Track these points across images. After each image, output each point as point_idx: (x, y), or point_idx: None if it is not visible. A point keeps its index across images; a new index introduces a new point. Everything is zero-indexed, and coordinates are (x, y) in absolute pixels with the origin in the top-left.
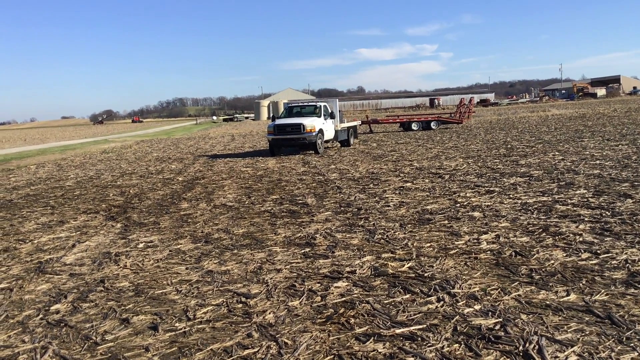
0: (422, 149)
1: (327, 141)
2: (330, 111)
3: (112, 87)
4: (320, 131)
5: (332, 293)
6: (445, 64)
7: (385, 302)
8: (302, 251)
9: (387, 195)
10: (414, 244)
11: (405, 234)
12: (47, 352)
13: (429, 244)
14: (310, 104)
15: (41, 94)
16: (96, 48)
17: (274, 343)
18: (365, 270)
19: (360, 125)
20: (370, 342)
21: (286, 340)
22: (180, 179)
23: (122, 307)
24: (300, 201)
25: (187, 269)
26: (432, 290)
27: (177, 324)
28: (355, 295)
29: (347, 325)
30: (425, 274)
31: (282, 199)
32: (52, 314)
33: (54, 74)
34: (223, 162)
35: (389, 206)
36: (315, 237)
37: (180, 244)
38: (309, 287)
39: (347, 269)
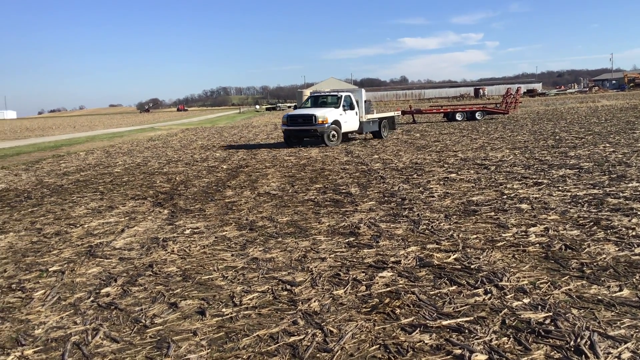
0: (466, 139)
1: (347, 133)
2: (352, 102)
3: (158, 76)
4: (336, 122)
5: (377, 283)
6: (490, 53)
7: (431, 293)
8: (346, 240)
9: (431, 186)
10: (460, 235)
11: (450, 225)
12: (98, 333)
13: (475, 236)
14: (332, 94)
15: (90, 82)
16: (143, 37)
17: (320, 331)
18: (410, 261)
19: (402, 116)
20: (417, 333)
21: (331, 329)
22: (224, 167)
23: (170, 292)
24: (343, 190)
25: (232, 255)
26: (479, 282)
27: (223, 310)
28: (401, 285)
29: (392, 315)
30: (472, 266)
31: (325, 188)
32: (102, 296)
33: (102, 62)
34: (266, 151)
35: (433, 197)
36: (359, 227)
37: (226, 230)
38: (354, 276)
39: (392, 259)
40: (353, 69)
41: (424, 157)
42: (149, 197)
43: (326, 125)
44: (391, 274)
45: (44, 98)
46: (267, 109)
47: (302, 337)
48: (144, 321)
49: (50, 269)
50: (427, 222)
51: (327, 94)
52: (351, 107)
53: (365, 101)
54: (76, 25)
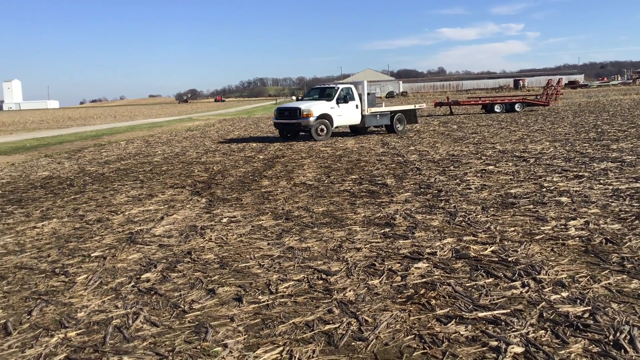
0: (505, 131)
1: (339, 127)
2: (350, 95)
3: (196, 67)
4: (325, 116)
5: (413, 274)
6: (531, 44)
7: (467, 285)
8: (382, 231)
9: (468, 178)
10: (497, 228)
11: (487, 217)
12: (138, 317)
13: (512, 228)
14: (330, 86)
15: (130, 73)
16: (182, 28)
17: (355, 320)
18: (446, 252)
19: (438, 107)
20: (452, 324)
21: (367, 318)
22: (260, 157)
23: (208, 279)
24: (379, 181)
25: (268, 244)
26: (516, 275)
27: (260, 297)
28: (436, 276)
29: (427, 306)
30: (509, 259)
31: (361, 179)
32: (142, 282)
33: (142, 53)
34: (302, 142)
35: (470, 189)
36: (395, 218)
37: (262, 220)
38: (389, 266)
39: (428, 250)
40: (390, 60)
41: (461, 149)
42: (187, 186)
43: (311, 118)
44: (427, 265)
45: (86, 88)
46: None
47: (337, 325)
48: (182, 306)
49: (92, 255)
50: (463, 214)
51: (326, 86)
52: (347, 100)
53: (368, 94)
54: (117, 17)
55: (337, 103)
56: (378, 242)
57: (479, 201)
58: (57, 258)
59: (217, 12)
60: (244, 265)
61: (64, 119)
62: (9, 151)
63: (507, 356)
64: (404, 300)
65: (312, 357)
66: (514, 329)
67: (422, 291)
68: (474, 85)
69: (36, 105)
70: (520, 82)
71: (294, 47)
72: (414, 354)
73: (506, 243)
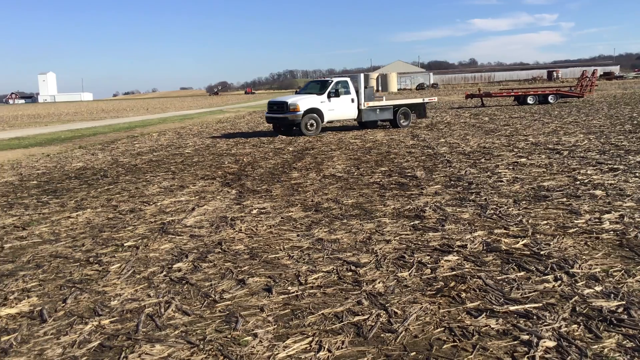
0: (538, 123)
1: (332, 121)
2: (345, 88)
3: (227, 60)
4: (314, 110)
5: (442, 266)
6: (565, 35)
7: (498, 278)
8: (412, 223)
9: (499, 170)
10: (529, 221)
11: (519, 210)
12: (170, 306)
13: (545, 222)
14: (325, 79)
15: (162, 65)
16: (213, 21)
17: (384, 312)
18: (476, 245)
19: (470, 99)
20: (483, 317)
21: (396, 310)
22: (290, 149)
23: (238, 269)
24: (409, 174)
25: (298, 235)
26: (548, 268)
27: (289, 288)
28: (467, 269)
29: (457, 299)
30: (542, 252)
31: (390, 171)
32: (174, 271)
33: (174, 47)
34: (332, 134)
35: (501, 181)
36: (425, 210)
37: (292, 211)
38: (419, 259)
39: (458, 243)
40: (420, 52)
41: (492, 141)
42: (218, 177)
43: (298, 113)
44: (457, 257)
45: (119, 81)
46: None
47: (366, 317)
48: (213, 296)
49: (125, 244)
50: (494, 206)
51: (321, 79)
52: (340, 94)
53: (366, 87)
54: (150, 10)
55: (329, 97)
56: (407, 235)
57: (511, 194)
58: (91, 247)
59: (247, 5)
60: (274, 256)
61: (97, 111)
62: (44, 142)
63: (538, 350)
64: (433, 292)
65: (341, 348)
66: (545, 323)
67: (452, 284)
68: (506, 76)
69: (70, 97)
70: (554, 74)
71: (323, 39)
72: (444, 347)
73: (538, 236)
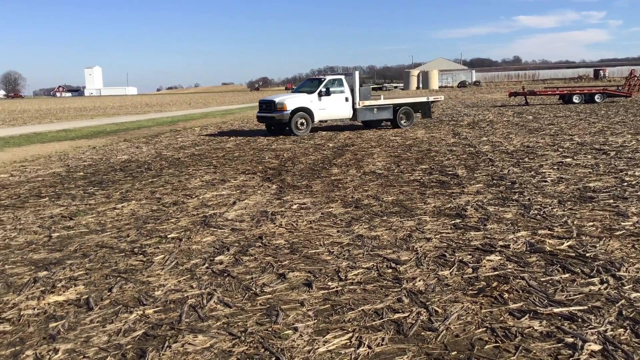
0: (584, 123)
1: (325, 121)
2: (337, 86)
3: (267, 56)
4: (303, 109)
5: (484, 266)
6: (613, 33)
7: (542, 279)
8: (452, 222)
9: (543, 170)
10: (574, 222)
11: (564, 211)
12: (212, 298)
13: (591, 223)
14: (318, 77)
15: (204, 61)
16: (254, 17)
17: (424, 310)
18: (520, 246)
19: (514, 97)
20: (526, 319)
21: (436, 309)
22: (330, 145)
23: (279, 263)
24: (450, 172)
25: (338, 231)
26: (594, 271)
27: (329, 283)
28: (509, 270)
29: (500, 299)
30: (587, 254)
31: (431, 169)
32: (216, 264)
33: (216, 42)
34: (372, 131)
35: (546, 181)
36: (466, 209)
37: (332, 207)
38: (460, 258)
39: (500, 242)
40: (463, 49)
41: (536, 140)
42: (259, 172)
43: (285, 112)
44: (499, 257)
45: (162, 75)
46: (373, 89)
47: (406, 314)
48: (254, 289)
49: (168, 236)
50: (538, 207)
51: (316, 77)
52: (332, 93)
53: (361, 86)
54: (192, 7)
55: (320, 96)
56: (448, 233)
57: (556, 194)
58: (136, 238)
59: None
60: (314, 251)
61: (141, 105)
62: (90, 135)
63: (583, 353)
64: (475, 292)
65: (381, 345)
66: (591, 326)
67: (495, 284)
68: (551, 74)
69: (116, 91)
70: (601, 72)
71: (364, 34)
72: (486, 347)
73: (584, 238)
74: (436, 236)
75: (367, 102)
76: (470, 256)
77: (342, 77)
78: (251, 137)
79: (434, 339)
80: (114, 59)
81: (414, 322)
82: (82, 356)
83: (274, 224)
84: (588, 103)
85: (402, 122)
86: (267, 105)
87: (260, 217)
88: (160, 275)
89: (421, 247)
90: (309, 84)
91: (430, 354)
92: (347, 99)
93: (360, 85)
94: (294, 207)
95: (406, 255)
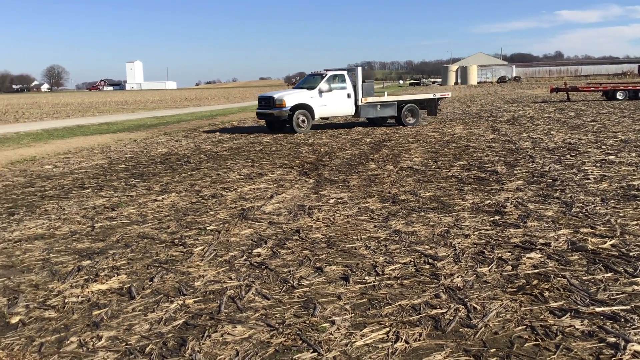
0: (628, 120)
1: (325, 118)
2: (339, 83)
3: (304, 51)
4: (303, 106)
5: (524, 264)
6: None
7: (584, 278)
8: (491, 219)
9: (586, 168)
10: (618, 221)
11: (607, 209)
12: (250, 289)
13: (635, 222)
14: (319, 73)
15: (242, 56)
16: (292, 12)
17: (463, 306)
18: (561, 244)
19: (555, 93)
20: (567, 317)
21: (475, 305)
22: (367, 140)
23: (316, 257)
24: (489, 168)
25: (375, 226)
26: (638, 270)
27: (366, 277)
28: (550, 268)
29: (540, 297)
30: (631, 254)
31: (469, 165)
32: (254, 256)
33: (254, 37)
34: (409, 127)
35: (588, 179)
36: (506, 206)
37: (369, 202)
38: (499, 255)
39: (541, 240)
40: (503, 44)
41: (578, 137)
42: (296, 166)
43: (284, 109)
44: (540, 255)
45: (201, 70)
46: (411, 84)
47: (444, 310)
48: (291, 282)
49: (208, 228)
50: (580, 205)
51: (318, 73)
52: (334, 89)
53: (364, 82)
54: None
55: (320, 92)
56: (487, 230)
57: (598, 192)
58: (176, 230)
59: None
60: (351, 245)
61: (180, 99)
62: (131, 128)
63: (626, 354)
64: (514, 290)
65: (419, 340)
66: (634, 327)
67: (535, 282)
68: (594, 70)
69: (156, 85)
70: None
71: (402, 29)
72: (525, 345)
73: (627, 237)
74: (474, 233)
75: (370, 99)
76: (510, 253)
77: (345, 72)
78: (288, 132)
79: (472, 336)
80: (154, 53)
81: (451, 318)
82: (124, 343)
83: (311, 217)
84: (632, 100)
85: (407, 119)
86: (266, 102)
87: (298, 211)
88: (200, 266)
89: (459, 243)
90: (310, 79)
91: (469, 350)
92: (349, 96)
93: (364, 81)
94: (331, 201)
95: (444, 252)
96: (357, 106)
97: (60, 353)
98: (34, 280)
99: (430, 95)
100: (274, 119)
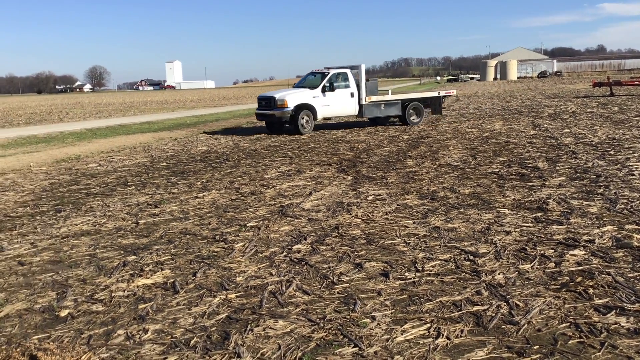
0: None
1: (328, 118)
2: (342, 81)
3: (340, 48)
4: (305, 106)
5: (568, 261)
6: None
7: (629, 275)
8: (533, 215)
9: (631, 163)
10: None
11: None
12: (291, 285)
13: None
14: (321, 72)
15: (279, 54)
16: (327, 10)
17: (505, 303)
18: (605, 241)
19: (598, 88)
20: (612, 315)
21: (517, 302)
22: (405, 137)
23: (355, 253)
24: (530, 164)
25: (414, 223)
26: None
27: (406, 274)
28: (594, 265)
29: (584, 294)
30: None
31: (510, 162)
32: (294, 252)
33: (290, 35)
34: (447, 122)
35: (633, 175)
36: (548, 202)
37: (407, 199)
38: (541, 252)
39: (585, 237)
40: (544, 38)
41: (622, 132)
42: (334, 163)
43: (286, 109)
44: (583, 252)
45: (239, 69)
46: (448, 81)
47: (486, 307)
48: (331, 278)
49: (248, 224)
50: (625, 201)
51: (320, 71)
52: (337, 88)
53: (368, 80)
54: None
55: (323, 91)
56: (529, 227)
57: None
58: (217, 226)
59: None
60: (390, 242)
61: (219, 98)
62: (171, 127)
63: None
64: (558, 287)
65: (460, 337)
66: None
67: (579, 279)
68: (638, 64)
69: (194, 85)
70: None
71: (439, 25)
72: (569, 342)
73: None
74: (516, 229)
75: (374, 98)
76: (553, 250)
77: (348, 70)
78: (325, 130)
79: (514, 333)
80: (193, 53)
81: (493, 314)
82: (169, 336)
83: (350, 214)
84: None
85: (411, 118)
86: (266, 102)
87: (336, 208)
88: (241, 262)
89: (500, 240)
90: (311, 78)
91: (511, 347)
92: (352, 95)
93: (367, 80)
94: (370, 198)
95: (484, 248)
96: (360, 105)
97: (108, 345)
98: (82, 275)
99: (434, 94)
100: (275, 120)
